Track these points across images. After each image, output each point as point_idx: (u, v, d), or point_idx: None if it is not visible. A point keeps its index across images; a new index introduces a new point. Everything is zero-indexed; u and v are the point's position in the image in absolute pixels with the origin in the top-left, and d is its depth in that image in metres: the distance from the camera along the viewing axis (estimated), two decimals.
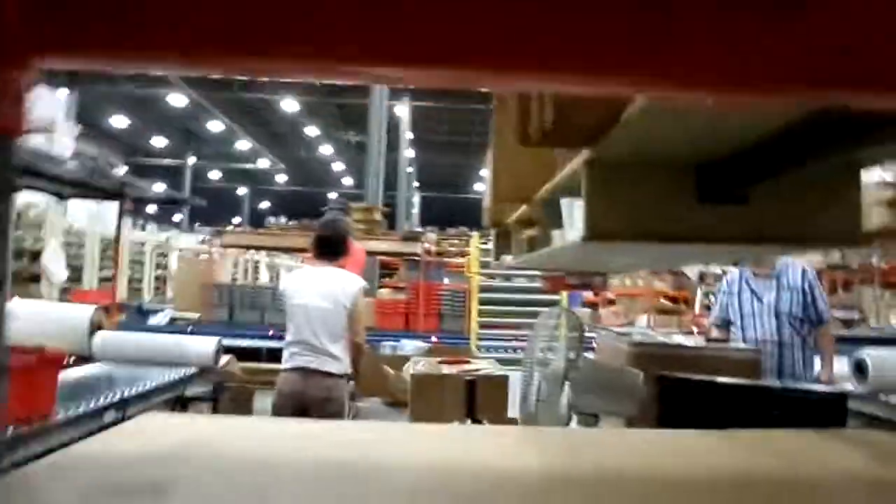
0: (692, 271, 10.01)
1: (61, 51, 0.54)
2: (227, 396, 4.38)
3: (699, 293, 10.96)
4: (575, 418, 1.51)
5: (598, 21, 0.52)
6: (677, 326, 8.49)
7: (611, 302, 10.38)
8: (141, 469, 0.59)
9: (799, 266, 3.61)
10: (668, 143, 1.16)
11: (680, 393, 1.59)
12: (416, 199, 27.34)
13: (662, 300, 10.44)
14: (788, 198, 1.25)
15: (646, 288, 10.31)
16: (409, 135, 17.93)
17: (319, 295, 3.49)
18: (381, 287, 11.66)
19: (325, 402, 3.35)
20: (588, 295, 8.81)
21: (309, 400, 3.36)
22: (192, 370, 3.57)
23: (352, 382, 3.56)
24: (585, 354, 1.71)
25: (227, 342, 4.47)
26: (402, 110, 17.22)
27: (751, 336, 3.55)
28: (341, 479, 0.60)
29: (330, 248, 3.63)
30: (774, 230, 1.31)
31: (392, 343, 4.19)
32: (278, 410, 3.47)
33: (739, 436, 0.83)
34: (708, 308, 10.78)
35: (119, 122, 22.53)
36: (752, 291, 3.64)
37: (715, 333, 3.76)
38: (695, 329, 8.29)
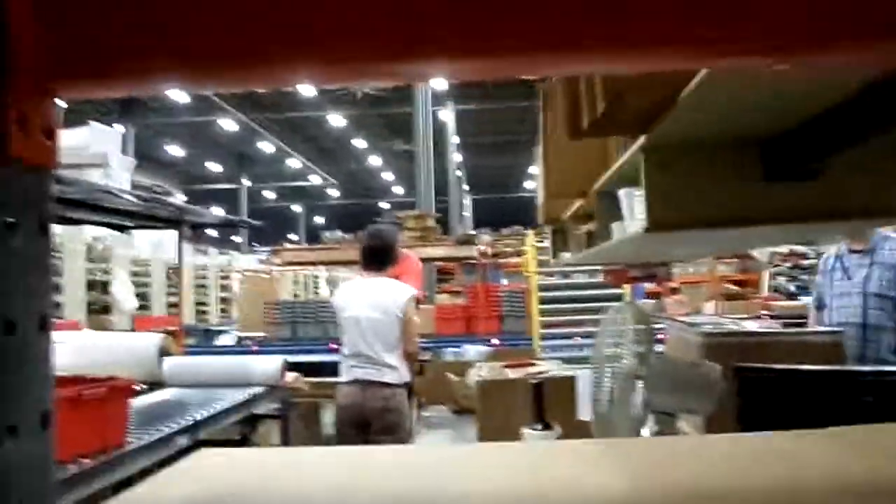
0: (761, 252, 9.69)
1: (82, 78, 0.52)
2: (295, 412, 4.44)
3: (767, 275, 10.61)
4: (651, 418, 1.44)
5: None
6: (745, 311, 8.22)
7: (675, 291, 10.13)
8: None
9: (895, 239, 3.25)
10: (729, 121, 1.10)
11: (759, 384, 1.50)
12: (468, 201, 27.31)
13: (728, 285, 10.15)
14: (864, 168, 1.16)
15: (710, 274, 10.03)
16: (455, 139, 17.93)
17: (370, 306, 3.50)
18: (439, 293, 11.69)
19: (384, 413, 3.37)
20: (651, 285, 8.62)
21: (368, 411, 3.39)
22: (260, 389, 3.62)
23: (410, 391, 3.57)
24: (656, 349, 1.64)
25: (291, 358, 4.53)
26: (447, 115, 17.23)
27: (835, 319, 3.33)
28: None
29: (377, 257, 3.64)
30: (850, 204, 1.22)
31: (454, 349, 4.15)
32: (339, 424, 3.51)
33: (843, 434, 0.75)
34: (777, 290, 10.45)
35: (175, 151, 23.22)
36: (844, 269, 3.36)
37: (812, 317, 3.55)
38: (764, 313, 8.02)
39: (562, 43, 0.50)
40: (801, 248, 10.14)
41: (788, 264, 10.65)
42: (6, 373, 0.49)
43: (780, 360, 1.64)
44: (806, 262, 10.30)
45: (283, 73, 0.54)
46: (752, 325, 2.97)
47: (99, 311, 10.58)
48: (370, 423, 3.40)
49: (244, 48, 0.51)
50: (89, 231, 10.22)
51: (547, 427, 1.67)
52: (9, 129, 0.48)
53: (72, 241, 10.00)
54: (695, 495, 0.59)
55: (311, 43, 0.50)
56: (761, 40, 0.50)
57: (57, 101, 0.54)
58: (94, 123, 3.15)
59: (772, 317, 7.41)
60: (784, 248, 10.24)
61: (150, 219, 3.93)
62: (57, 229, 9.19)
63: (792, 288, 10.33)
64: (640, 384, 1.46)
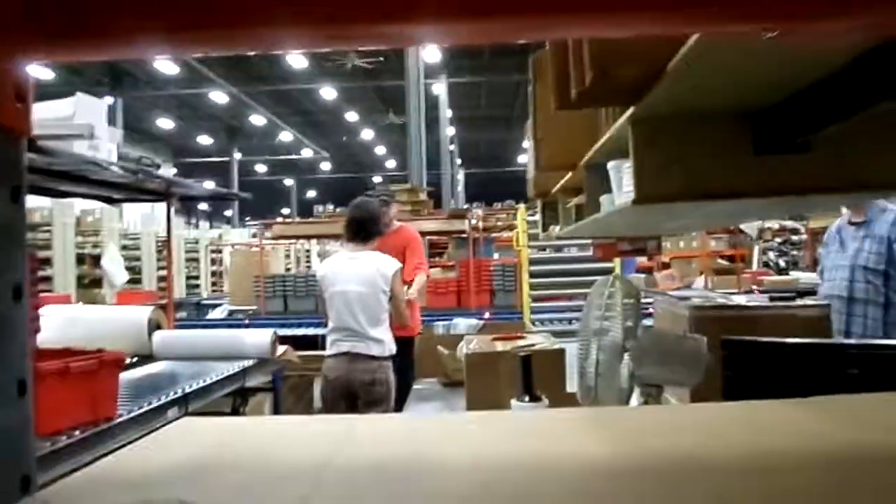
0: (751, 227, 9.72)
1: (54, 41, 0.50)
2: (286, 385, 4.46)
3: (757, 250, 10.67)
4: (637, 390, 1.45)
5: None
6: (735, 286, 8.27)
7: (665, 265, 10.18)
8: (173, 482, 0.56)
9: (893, 212, 3.13)
10: (718, 94, 1.08)
11: (746, 357, 1.51)
12: (461, 176, 27.24)
13: (718, 260, 10.19)
14: (856, 141, 1.16)
15: (700, 248, 10.07)
16: (448, 112, 17.82)
17: (356, 280, 3.51)
18: (431, 266, 11.70)
19: (370, 386, 3.43)
20: (641, 260, 8.65)
21: (355, 384, 3.44)
22: (251, 362, 3.63)
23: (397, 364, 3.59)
24: (643, 322, 1.65)
25: (283, 332, 4.54)
26: (440, 88, 17.10)
27: (824, 291, 3.30)
28: (391, 480, 0.56)
29: (362, 230, 3.63)
30: (841, 177, 1.21)
31: (445, 322, 4.16)
32: (326, 396, 3.54)
33: (821, 404, 0.76)
34: (767, 265, 10.51)
35: (165, 124, 23.00)
36: (841, 241, 3.33)
37: (820, 290, 3.52)
38: (754, 287, 8.07)
39: (551, 5, 0.49)
40: (791, 224, 10.18)
41: (779, 239, 10.70)
42: None
43: (767, 333, 1.65)
44: (796, 238, 10.35)
45: (269, 35, 0.53)
46: (740, 299, 2.98)
47: (89, 284, 10.56)
48: (357, 395, 3.45)
49: (227, 7, 0.49)
50: (79, 204, 10.16)
51: (535, 399, 1.67)
52: None
53: (61, 214, 9.94)
54: (677, 462, 0.60)
55: (297, 2, 0.49)
56: (753, 5, 0.49)
57: (28, 64, 0.53)
58: (79, 94, 3.10)
59: (762, 292, 7.46)
60: (774, 224, 10.28)
61: (138, 191, 3.90)
62: (45, 202, 9.13)
63: (782, 263, 10.39)
64: (627, 357, 1.47)
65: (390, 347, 3.54)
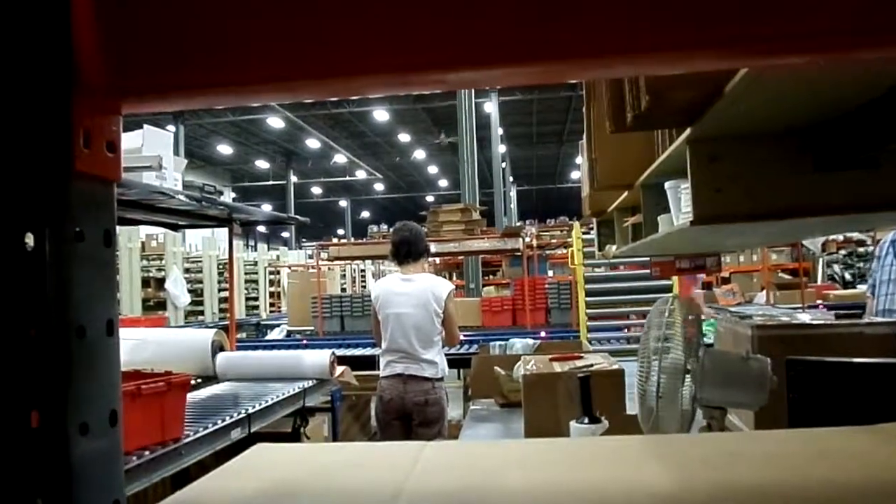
0: (812, 242, 9.43)
1: (146, 95, 0.54)
2: (344, 405, 4.51)
3: (821, 263, 10.33)
4: (699, 413, 1.43)
5: None
6: (799, 300, 8.02)
7: (725, 280, 9.94)
8: None
9: None
10: (777, 112, 1.07)
11: (812, 378, 1.47)
12: (513, 193, 27.20)
13: (780, 273, 9.91)
14: None
15: (761, 262, 9.81)
16: (499, 130, 17.86)
17: (410, 303, 3.58)
18: (485, 285, 11.68)
19: (424, 406, 3.49)
20: (702, 276, 8.47)
21: (409, 405, 3.50)
22: (310, 383, 3.69)
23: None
24: (705, 341, 1.62)
25: (340, 352, 4.61)
26: (491, 107, 17.17)
27: (882, 306, 3.21)
28: None
29: (410, 249, 3.70)
30: None
31: (500, 342, 4.15)
32: (380, 416, 3.61)
33: (890, 431, 0.74)
34: (832, 278, 10.16)
35: (224, 149, 23.68)
36: None
37: (868, 305, 3.44)
38: (819, 302, 7.81)
39: (609, 49, 0.50)
40: (857, 235, 9.83)
41: (844, 251, 10.34)
42: (78, 375, 0.52)
43: (833, 352, 1.61)
44: (862, 250, 9.98)
45: (353, 83, 0.56)
46: (804, 317, 2.90)
47: (154, 307, 10.91)
48: (412, 416, 3.51)
49: (303, 62, 0.52)
50: (144, 229, 10.53)
51: (595, 421, 1.66)
52: (76, 145, 0.51)
53: (127, 239, 10.32)
54: (739, 494, 0.59)
55: (369, 54, 0.51)
56: (809, 38, 0.49)
57: (120, 116, 0.57)
58: (147, 126, 3.24)
59: (827, 307, 7.22)
60: (839, 236, 9.94)
61: (201, 217, 4.03)
62: None
63: (847, 276, 10.03)
64: (688, 378, 1.45)
65: (443, 368, 3.60)
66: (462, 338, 6.81)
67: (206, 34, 0.52)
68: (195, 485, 0.67)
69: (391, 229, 4.09)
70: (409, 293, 3.59)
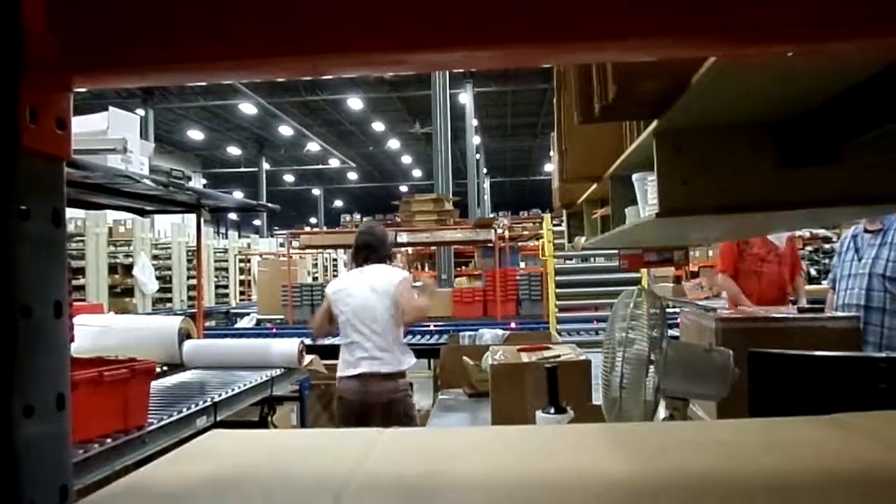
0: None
1: (95, 71, 0.53)
2: (313, 394, 4.49)
3: None
4: (662, 403, 1.44)
5: None
6: None
7: (695, 274, 10.07)
8: (201, 496, 0.58)
9: None
10: (743, 105, 1.08)
11: (773, 370, 1.50)
12: (486, 184, 27.25)
13: None
14: (885, 151, 1.14)
15: None
16: (474, 122, 17.86)
17: (363, 294, 3.43)
18: (457, 276, 11.70)
19: (388, 407, 3.31)
20: (670, 268, 8.57)
21: (372, 407, 3.31)
22: (278, 371, 3.66)
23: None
24: (669, 333, 1.64)
25: (309, 341, 4.58)
26: (466, 98, 17.15)
27: (840, 300, 3.28)
28: (412, 496, 0.58)
29: (367, 255, 3.57)
30: (869, 188, 1.20)
31: (470, 332, 4.16)
32: (343, 420, 3.40)
33: (846, 421, 0.75)
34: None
35: (195, 135, 23.36)
36: (857, 249, 3.30)
37: (828, 300, 3.51)
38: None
39: (577, 33, 0.50)
40: (822, 232, 10.02)
41: (810, 248, 10.53)
42: (23, 356, 0.50)
43: (795, 345, 1.64)
44: (828, 246, 10.18)
45: (306, 64, 0.55)
46: (768, 311, 2.93)
47: (121, 293, 10.76)
48: (376, 417, 3.32)
49: (265, 37, 0.51)
50: (111, 215, 10.36)
51: (560, 411, 1.67)
52: (23, 120, 0.50)
53: (94, 225, 10.15)
54: (696, 481, 0.60)
55: (332, 35, 0.50)
56: (778, 28, 0.49)
57: (70, 93, 0.55)
58: (112, 109, 3.17)
59: (792, 302, 7.34)
60: (805, 232, 10.12)
61: (169, 203, 3.97)
62: (78, 213, 9.32)
63: (813, 272, 10.21)
64: (652, 369, 1.46)
65: (405, 361, 3.44)
66: (432, 327, 6.86)
67: (158, 9, 0.50)
68: (148, 467, 0.66)
69: (358, 231, 3.88)
70: (363, 284, 3.47)
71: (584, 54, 0.73)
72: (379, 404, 3.31)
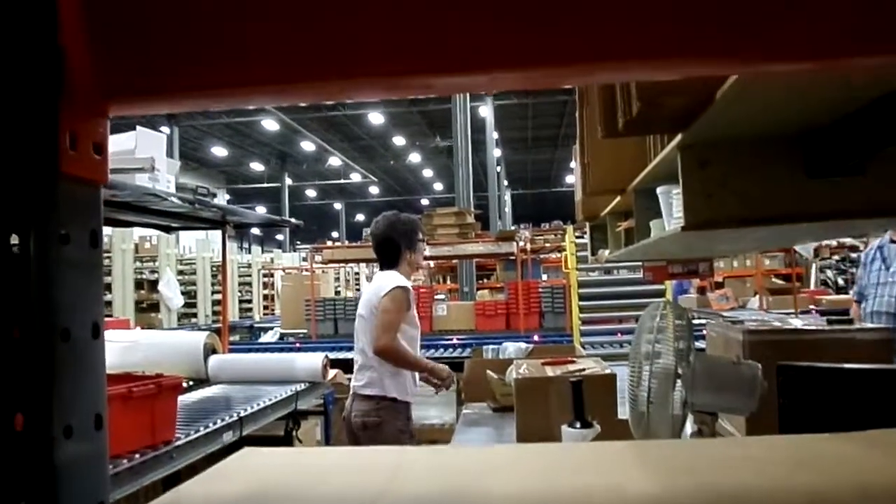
0: (806, 246, 9.46)
1: (133, 98, 0.54)
2: (337, 408, 4.50)
3: (814, 268, 10.37)
4: (690, 418, 1.43)
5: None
6: (792, 306, 8.04)
7: (719, 285, 9.96)
8: None
9: None
10: (768, 118, 1.08)
11: (803, 384, 1.48)
12: (508, 197, 27.23)
13: (774, 279, 9.93)
14: None
15: (755, 268, 9.83)
16: (494, 134, 17.88)
17: (360, 307, 3.24)
18: (479, 289, 11.68)
19: (362, 431, 3.00)
20: (695, 280, 8.49)
21: (353, 427, 3.05)
22: (303, 386, 3.68)
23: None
24: (697, 345, 1.62)
25: (333, 355, 4.60)
26: (486, 111, 17.19)
27: (870, 309, 3.25)
28: None
29: (380, 253, 3.26)
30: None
31: (494, 346, 4.15)
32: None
33: (878, 437, 0.74)
34: (825, 283, 10.20)
35: (219, 151, 23.64)
36: (884, 259, 3.28)
37: (853, 311, 3.49)
38: (812, 308, 7.83)
39: (601, 54, 0.50)
40: (849, 241, 9.88)
41: (837, 257, 10.39)
42: (62, 378, 0.52)
43: (825, 358, 1.61)
44: (855, 255, 10.04)
45: (334, 87, 0.56)
46: (796, 322, 2.90)
47: (147, 308, 10.88)
48: (353, 431, 3.07)
49: (294, 66, 0.52)
50: (137, 231, 10.51)
51: (587, 426, 1.66)
52: (63, 147, 0.51)
53: (120, 241, 10.30)
54: (725, 500, 0.59)
55: (360, 60, 0.51)
56: (801, 46, 0.49)
57: (107, 118, 0.57)
58: (140, 128, 3.23)
59: (820, 312, 7.24)
60: (832, 241, 9.98)
61: (194, 219, 4.02)
62: (106, 230, 9.46)
63: (840, 281, 10.07)
64: (679, 383, 1.45)
65: (387, 385, 3.02)
66: (455, 341, 6.84)
67: (196, 37, 0.52)
68: (181, 488, 0.67)
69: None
70: (363, 296, 3.31)
71: (608, 75, 0.73)
72: (356, 423, 3.03)
